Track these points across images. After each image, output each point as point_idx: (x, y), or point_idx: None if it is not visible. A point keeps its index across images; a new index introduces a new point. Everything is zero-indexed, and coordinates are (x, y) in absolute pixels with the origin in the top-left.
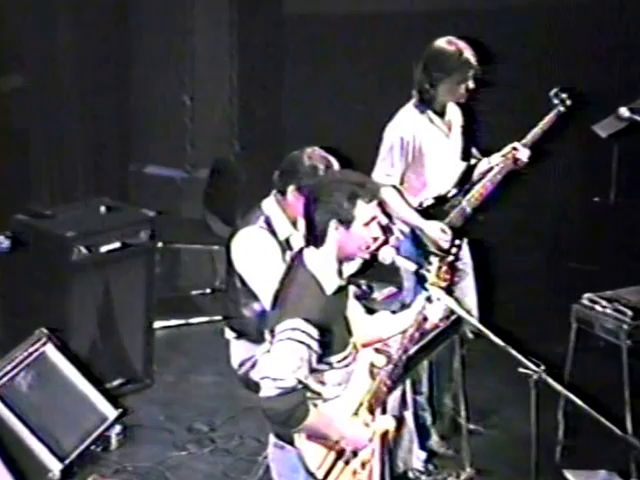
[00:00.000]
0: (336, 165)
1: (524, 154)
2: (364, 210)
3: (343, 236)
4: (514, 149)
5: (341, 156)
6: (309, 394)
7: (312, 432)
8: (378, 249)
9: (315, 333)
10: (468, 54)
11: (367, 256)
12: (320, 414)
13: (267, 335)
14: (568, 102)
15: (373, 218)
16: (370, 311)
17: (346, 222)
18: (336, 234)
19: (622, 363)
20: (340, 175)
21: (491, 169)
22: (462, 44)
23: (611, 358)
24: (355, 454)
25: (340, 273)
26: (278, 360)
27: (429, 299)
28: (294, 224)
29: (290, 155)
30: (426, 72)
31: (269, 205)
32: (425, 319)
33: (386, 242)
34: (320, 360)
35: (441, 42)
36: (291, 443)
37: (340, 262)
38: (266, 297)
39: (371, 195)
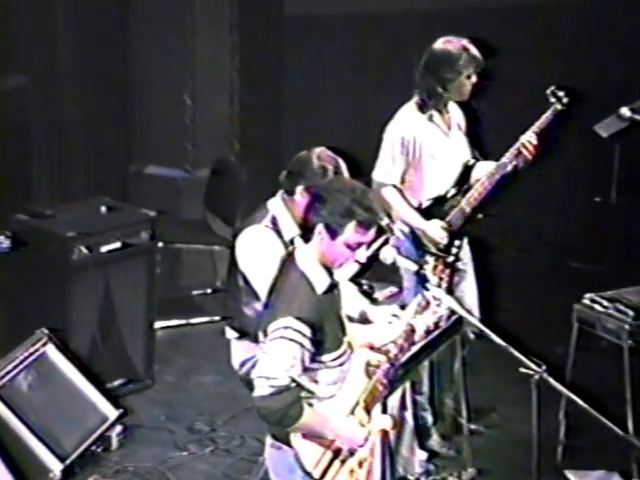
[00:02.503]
0: (343, 166)
1: (532, 139)
2: (352, 233)
3: (326, 243)
4: (523, 144)
5: (343, 156)
6: (303, 393)
7: (307, 431)
8: (379, 249)
9: (307, 331)
10: (473, 50)
11: (342, 273)
12: (315, 413)
13: (260, 334)
14: (565, 100)
15: (359, 244)
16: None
17: (332, 232)
18: (319, 238)
19: (623, 363)
20: (351, 188)
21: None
22: (464, 41)
23: (612, 358)
24: (352, 453)
25: (331, 273)
26: (271, 359)
27: (419, 304)
28: (300, 225)
29: (298, 155)
30: (436, 75)
31: (275, 205)
32: (413, 331)
33: (386, 242)
34: (313, 359)
35: (443, 44)
36: (287, 444)
37: (325, 263)
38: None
39: (369, 221)
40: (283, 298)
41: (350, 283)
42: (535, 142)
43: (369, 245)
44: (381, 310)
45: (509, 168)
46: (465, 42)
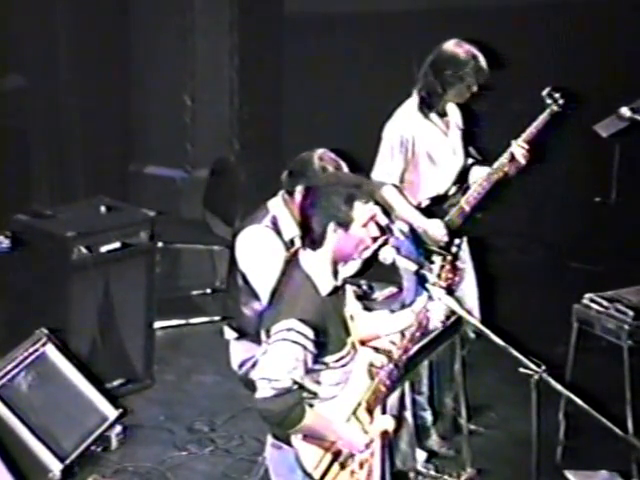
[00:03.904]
0: (345, 167)
1: (519, 152)
2: (362, 211)
3: (342, 238)
4: (514, 152)
5: (344, 156)
6: (305, 394)
7: (308, 433)
8: (379, 249)
9: (310, 333)
10: (481, 60)
11: (364, 257)
12: (316, 415)
13: (263, 335)
14: (561, 101)
15: (371, 218)
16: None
17: (345, 224)
18: (334, 236)
19: (623, 363)
20: (336, 178)
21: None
22: (474, 49)
23: (612, 358)
24: (352, 455)
25: (336, 274)
26: (273, 361)
27: (430, 298)
28: (300, 225)
29: (300, 156)
30: (439, 76)
31: (276, 205)
32: (427, 319)
33: (386, 242)
34: (316, 360)
35: (453, 46)
36: (288, 443)
37: (336, 264)
38: (266, 297)
39: (368, 196)
40: (286, 300)
41: (347, 287)
42: (526, 150)
43: (378, 227)
44: (373, 315)
45: (501, 174)
46: (475, 50)
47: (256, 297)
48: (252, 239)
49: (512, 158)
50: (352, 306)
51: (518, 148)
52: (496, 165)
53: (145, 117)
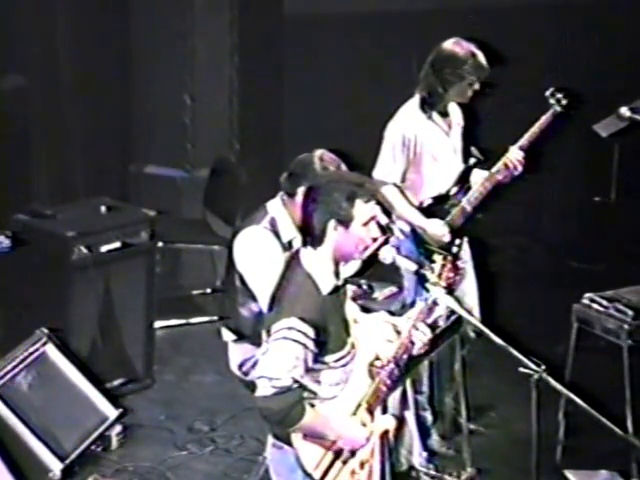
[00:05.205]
0: (345, 168)
1: (517, 156)
2: (363, 210)
3: (342, 236)
4: (508, 159)
5: (344, 157)
6: (305, 394)
7: (308, 432)
8: (379, 249)
9: (311, 332)
10: (480, 58)
11: (364, 257)
12: (317, 414)
13: (264, 335)
14: (564, 102)
15: (372, 218)
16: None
17: (345, 222)
18: (335, 234)
19: (623, 363)
20: (338, 175)
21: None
22: (473, 47)
23: (612, 358)
24: (353, 454)
25: (337, 273)
26: (274, 359)
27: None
28: (299, 227)
29: (300, 157)
30: (439, 75)
31: (275, 206)
32: (412, 343)
33: (386, 242)
34: (316, 359)
35: (452, 45)
36: (289, 443)
37: (337, 262)
38: (264, 298)
39: (370, 195)
40: (287, 299)
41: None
42: (520, 158)
43: (379, 227)
44: (372, 317)
45: (502, 176)
46: (474, 48)
47: (253, 298)
48: (250, 240)
49: (506, 166)
50: (353, 310)
51: (512, 158)
52: (497, 167)
53: (145, 117)
